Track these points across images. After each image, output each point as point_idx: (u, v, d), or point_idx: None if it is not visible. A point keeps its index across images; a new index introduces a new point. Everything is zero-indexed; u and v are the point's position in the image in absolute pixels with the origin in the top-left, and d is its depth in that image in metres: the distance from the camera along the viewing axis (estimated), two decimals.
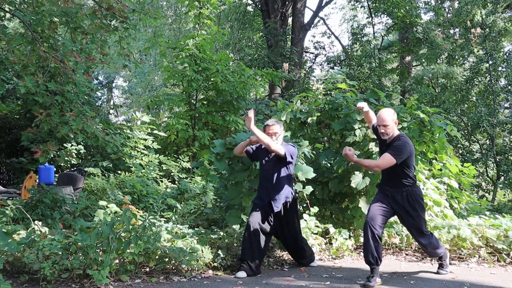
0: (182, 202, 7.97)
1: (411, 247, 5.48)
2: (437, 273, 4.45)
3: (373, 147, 5.49)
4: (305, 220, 5.21)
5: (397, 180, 4.15)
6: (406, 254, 5.35)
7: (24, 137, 8.98)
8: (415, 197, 4.16)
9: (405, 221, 4.27)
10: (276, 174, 4.49)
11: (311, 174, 5.32)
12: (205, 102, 11.81)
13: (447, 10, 19.77)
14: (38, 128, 6.49)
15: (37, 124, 6.33)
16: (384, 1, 16.96)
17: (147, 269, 4.28)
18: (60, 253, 3.96)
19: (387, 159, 4.02)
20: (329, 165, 5.72)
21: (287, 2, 17.14)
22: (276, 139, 4.47)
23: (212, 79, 11.30)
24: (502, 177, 14.08)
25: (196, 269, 4.37)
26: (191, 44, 11.20)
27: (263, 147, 4.59)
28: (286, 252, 5.09)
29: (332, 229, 5.39)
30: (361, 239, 4.99)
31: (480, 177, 15.16)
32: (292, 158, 4.50)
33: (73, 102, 6.59)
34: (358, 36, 18.49)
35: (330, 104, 5.92)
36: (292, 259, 4.97)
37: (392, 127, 4.12)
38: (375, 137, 5.21)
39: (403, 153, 4.02)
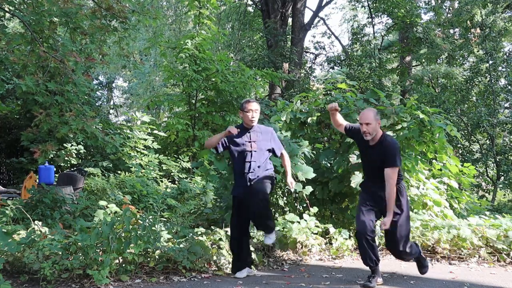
0: (182, 202, 7.97)
1: None
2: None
3: None
4: (305, 220, 5.21)
5: (382, 177, 3.99)
6: None
7: (23, 137, 8.98)
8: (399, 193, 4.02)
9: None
10: (260, 160, 4.27)
11: (311, 174, 5.32)
12: (205, 102, 11.81)
13: (447, 10, 19.77)
14: (37, 128, 6.48)
15: (36, 124, 6.33)
16: (384, 1, 16.95)
17: (147, 269, 4.28)
18: (60, 253, 3.96)
19: (392, 174, 3.90)
20: (329, 165, 5.72)
21: (287, 2, 17.13)
22: (254, 117, 4.28)
23: (212, 79, 11.30)
24: (502, 177, 14.08)
25: (196, 269, 4.37)
26: (190, 44, 11.20)
27: (237, 133, 4.29)
28: (286, 252, 5.09)
29: (332, 229, 5.39)
30: None
31: (480, 177, 15.16)
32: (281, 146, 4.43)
33: (72, 102, 6.58)
34: (358, 36, 18.49)
35: None
36: (292, 259, 4.98)
37: (375, 126, 4.00)
38: None
39: (397, 156, 3.95)
